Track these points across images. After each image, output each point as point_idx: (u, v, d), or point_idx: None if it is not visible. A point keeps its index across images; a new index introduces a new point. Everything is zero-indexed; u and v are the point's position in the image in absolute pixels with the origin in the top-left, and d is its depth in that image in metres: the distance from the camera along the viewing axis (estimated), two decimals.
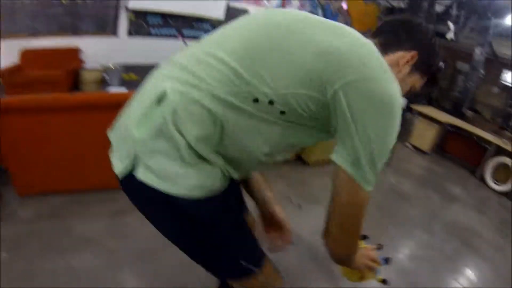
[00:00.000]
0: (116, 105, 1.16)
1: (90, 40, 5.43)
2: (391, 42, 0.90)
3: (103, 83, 4.73)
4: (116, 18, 5.57)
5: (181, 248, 0.96)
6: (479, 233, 3.44)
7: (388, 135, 0.76)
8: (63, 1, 4.97)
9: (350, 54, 0.73)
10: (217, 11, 6.44)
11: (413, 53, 0.89)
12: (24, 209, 2.20)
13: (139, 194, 0.86)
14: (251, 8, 7.05)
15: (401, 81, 0.85)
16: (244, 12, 6.93)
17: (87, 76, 4.95)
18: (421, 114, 5.53)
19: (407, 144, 5.67)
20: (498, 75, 8.02)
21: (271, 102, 0.75)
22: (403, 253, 2.84)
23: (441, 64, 0.96)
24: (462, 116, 6.65)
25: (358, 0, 8.42)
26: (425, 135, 5.44)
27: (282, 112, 0.76)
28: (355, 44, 0.76)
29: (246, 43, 0.78)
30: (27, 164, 2.29)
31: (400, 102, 0.75)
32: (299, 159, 4.00)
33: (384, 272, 1.25)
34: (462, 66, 8.29)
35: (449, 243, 3.13)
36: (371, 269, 1.16)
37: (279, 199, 2.76)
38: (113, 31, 5.62)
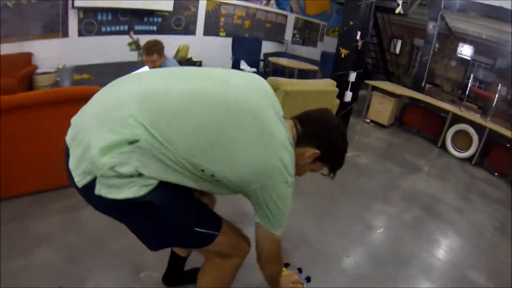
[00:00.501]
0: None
1: (41, 43, 5.16)
2: (305, 138, 1.18)
3: (56, 85, 4.50)
4: (65, 18, 5.30)
5: (134, 229, 1.12)
6: (440, 199, 3.29)
7: (285, 205, 1.16)
8: (9, 4, 4.69)
9: (272, 168, 1.04)
10: (166, 4, 6.20)
11: (317, 152, 1.18)
12: (6, 209, 2.16)
13: (100, 202, 0.97)
14: None
15: (303, 166, 1.24)
16: (194, 2, 6.68)
17: (41, 80, 4.67)
18: (377, 89, 5.36)
19: (366, 119, 5.52)
20: (455, 49, 8.10)
21: (212, 176, 1.02)
22: (359, 225, 2.61)
23: (340, 161, 1.26)
24: (421, 90, 6.63)
25: None
26: (383, 109, 5.29)
27: (217, 181, 1.05)
28: (276, 159, 1.04)
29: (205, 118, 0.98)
30: (11, 165, 2.23)
31: (292, 187, 1.14)
32: None
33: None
34: (419, 42, 8.35)
35: (409, 212, 2.93)
36: None
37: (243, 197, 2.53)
38: (64, 32, 5.35)
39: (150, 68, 3.01)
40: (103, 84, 1.12)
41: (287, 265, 1.94)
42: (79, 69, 4.65)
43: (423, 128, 5.29)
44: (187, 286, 1.75)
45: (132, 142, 0.89)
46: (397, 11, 5.59)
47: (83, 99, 1.12)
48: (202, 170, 0.98)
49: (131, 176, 0.91)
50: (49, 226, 2.09)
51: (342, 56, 4.33)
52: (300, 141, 1.16)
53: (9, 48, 4.82)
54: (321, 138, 1.17)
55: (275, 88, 3.52)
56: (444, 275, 2.24)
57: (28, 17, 4.89)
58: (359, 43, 4.26)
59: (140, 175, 0.92)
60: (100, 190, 0.92)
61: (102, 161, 0.88)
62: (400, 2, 5.51)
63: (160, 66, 2.99)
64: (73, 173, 0.96)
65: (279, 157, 1.04)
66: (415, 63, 8.63)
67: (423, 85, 7.04)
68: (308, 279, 1.85)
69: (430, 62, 7.23)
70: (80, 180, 0.94)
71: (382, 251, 2.37)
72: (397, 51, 9.16)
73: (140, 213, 1.00)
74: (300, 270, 1.89)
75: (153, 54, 2.90)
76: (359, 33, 4.21)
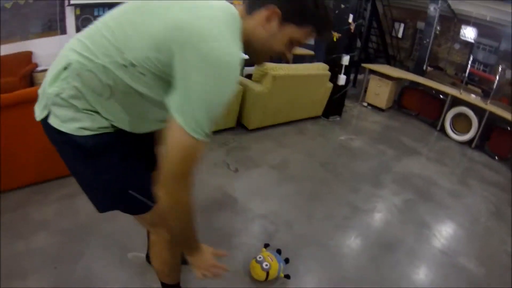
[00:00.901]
0: None
1: (40, 42, 5.30)
2: (253, 3, 0.93)
3: None
4: (62, 15, 5.42)
5: (80, 181, 1.12)
6: (436, 183, 3.18)
7: (216, 93, 0.81)
8: (6, 5, 4.82)
9: (194, 25, 0.80)
10: None
11: (271, 8, 0.89)
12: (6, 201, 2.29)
13: (51, 134, 1.01)
14: None
15: (272, 37, 0.94)
16: None
17: (41, 78, 4.66)
18: (374, 72, 5.21)
19: (364, 103, 5.38)
20: (458, 32, 7.87)
21: (132, 65, 0.88)
22: (347, 209, 2.53)
23: (325, 10, 0.94)
24: (423, 74, 6.45)
25: None
26: (380, 92, 5.14)
27: (142, 74, 0.89)
28: (202, 17, 0.83)
29: (119, 19, 0.94)
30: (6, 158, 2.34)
31: (235, 66, 0.81)
32: (240, 126, 3.68)
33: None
34: (422, 25, 8.12)
35: (401, 195, 2.84)
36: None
37: (216, 165, 2.69)
38: (62, 30, 5.47)
39: None
40: None
41: (266, 245, 1.95)
42: None
43: (422, 111, 5.13)
44: None
45: (66, 67, 0.94)
46: None
47: None
48: (125, 66, 0.89)
49: (77, 109, 0.96)
50: (47, 213, 2.19)
51: (335, 39, 4.19)
52: (250, 7, 0.94)
53: (9, 48, 4.99)
54: None
55: (263, 74, 3.41)
56: (432, 260, 2.15)
57: (26, 17, 5.04)
58: (352, 26, 4.12)
59: (85, 111, 0.96)
60: (50, 119, 0.98)
61: (49, 91, 0.96)
62: None
63: None
64: (36, 113, 1.03)
65: (210, 17, 0.84)
66: (418, 47, 8.42)
67: (424, 68, 6.86)
68: (286, 261, 1.85)
69: (433, 45, 7.04)
70: (39, 115, 1.01)
71: (368, 235, 2.29)
72: (399, 34, 8.96)
73: (79, 157, 1.03)
74: (279, 252, 1.89)
75: None
76: (351, 16, 4.07)
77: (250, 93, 3.42)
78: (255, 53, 1.00)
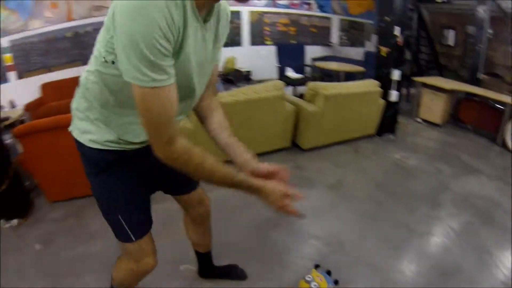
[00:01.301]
0: None
1: None
2: None
3: None
4: None
5: (93, 191, 1.25)
6: (498, 204, 3.04)
7: (133, 34, 0.75)
8: (68, 35, 5.55)
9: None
10: None
11: None
12: (53, 211, 2.74)
13: (76, 145, 1.17)
14: (242, 9, 7.01)
15: None
16: (236, 14, 6.90)
17: None
18: (426, 86, 5.10)
19: (417, 119, 5.27)
20: (511, 32, 7.42)
21: (104, 59, 0.93)
22: (402, 231, 2.54)
23: None
24: (477, 82, 6.17)
25: None
26: (434, 106, 5.02)
27: (113, 62, 0.90)
28: None
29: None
30: (50, 176, 2.77)
31: (155, 12, 0.75)
32: (294, 146, 3.81)
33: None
34: (471, 29, 7.75)
35: (460, 217, 2.78)
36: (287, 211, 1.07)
37: None
38: None
39: None
40: None
41: (317, 266, 2.03)
42: None
43: (480, 125, 4.91)
44: (221, 280, 1.97)
45: (79, 85, 1.12)
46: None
47: None
48: (105, 61, 0.93)
49: (91, 121, 1.09)
50: (104, 223, 2.33)
51: (383, 54, 4.19)
52: None
53: (71, 73, 5.57)
54: None
55: (315, 94, 3.54)
56: None
57: (87, 45, 5.71)
58: (399, 39, 4.09)
59: (97, 121, 1.08)
60: (74, 131, 1.16)
61: (72, 106, 1.16)
62: None
63: None
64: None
65: None
66: (470, 53, 8.06)
67: (479, 76, 6.56)
68: (336, 282, 1.92)
69: (487, 50, 6.72)
70: (70, 129, 1.18)
71: (424, 260, 2.28)
72: (451, 42, 8.62)
73: (86, 169, 1.20)
74: (329, 273, 1.97)
75: None
76: (397, 28, 4.03)
77: (303, 113, 3.55)
78: None
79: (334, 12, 8.03)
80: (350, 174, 3.38)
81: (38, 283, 2.01)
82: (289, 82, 5.53)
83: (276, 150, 3.64)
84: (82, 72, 1.11)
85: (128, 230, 1.22)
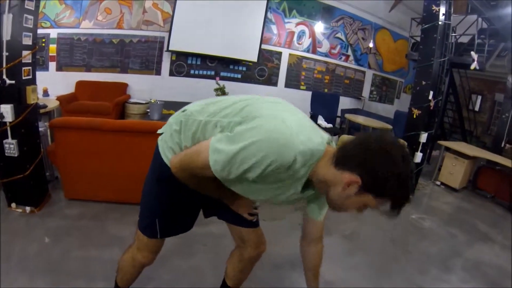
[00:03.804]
0: (151, 132, 2.05)
1: (136, 77, 6.20)
2: (343, 161, 1.00)
3: (145, 115, 5.38)
4: (160, 58, 6.33)
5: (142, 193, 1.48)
6: (509, 274, 3.19)
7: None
8: (114, 41, 5.95)
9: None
10: (251, 54, 6.83)
11: (355, 178, 0.97)
12: (69, 208, 2.74)
13: (156, 149, 1.38)
14: (283, 50, 7.40)
15: (347, 199, 1.04)
16: (276, 54, 7.31)
17: (132, 109, 5.64)
18: (449, 150, 5.33)
19: (437, 182, 5.45)
20: None
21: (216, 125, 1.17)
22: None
23: (406, 190, 0.98)
24: (500, 151, 6.31)
25: (387, 38, 8.57)
26: (455, 171, 5.20)
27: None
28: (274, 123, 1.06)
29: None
30: (75, 173, 2.86)
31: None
32: None
33: None
34: (500, 97, 7.88)
35: (470, 283, 2.94)
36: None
37: (294, 228, 2.87)
38: (157, 70, 6.36)
39: None
40: None
41: None
42: (167, 105, 5.31)
43: (499, 194, 5.05)
44: None
45: (184, 110, 1.32)
46: (472, 67, 5.56)
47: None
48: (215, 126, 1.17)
49: (173, 141, 1.29)
50: (122, 231, 2.54)
51: (414, 116, 4.42)
52: (338, 161, 1.02)
53: (109, 77, 5.90)
54: (358, 161, 0.97)
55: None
56: None
57: (128, 54, 6.04)
58: (431, 103, 4.33)
59: (177, 144, 1.29)
60: (160, 140, 1.39)
61: (170, 120, 1.37)
62: (476, 57, 5.48)
63: None
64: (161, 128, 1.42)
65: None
66: (496, 121, 8.21)
67: (502, 145, 6.70)
68: None
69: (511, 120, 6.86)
70: (160, 130, 1.41)
71: None
72: (476, 107, 8.75)
73: (152, 175, 1.42)
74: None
75: None
76: (431, 93, 4.29)
77: None
78: (328, 198, 1.11)
79: (369, 67, 8.37)
80: (367, 227, 3.56)
81: (38, 277, 2.00)
82: None
83: None
84: (190, 105, 1.34)
85: (158, 229, 1.45)
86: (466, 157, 5.09)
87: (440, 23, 4.26)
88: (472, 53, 5.54)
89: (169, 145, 1.31)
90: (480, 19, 6.32)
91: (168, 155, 1.30)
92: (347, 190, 1.00)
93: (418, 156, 4.46)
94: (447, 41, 4.41)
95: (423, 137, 4.39)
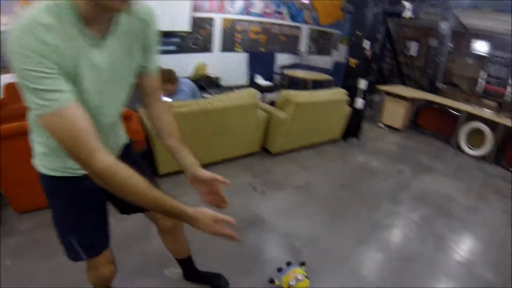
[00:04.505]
0: None
1: None
2: None
3: None
4: None
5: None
6: (453, 198, 3.34)
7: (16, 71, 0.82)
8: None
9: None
10: (183, 24, 6.55)
11: None
12: (21, 223, 2.52)
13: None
14: (215, 16, 7.10)
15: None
16: (209, 21, 6.98)
17: None
18: (389, 94, 5.46)
19: (379, 124, 5.60)
20: (469, 46, 8.01)
21: None
22: (367, 225, 2.74)
23: None
24: (436, 91, 6.61)
25: None
26: (395, 113, 5.37)
27: None
28: None
29: None
30: (18, 184, 2.55)
31: (17, 45, 0.78)
32: (264, 150, 3.96)
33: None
34: (433, 42, 8.28)
35: (418, 211, 3.03)
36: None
37: (244, 188, 2.87)
38: None
39: (164, 94, 3.26)
40: None
41: (289, 263, 2.10)
42: None
43: (438, 130, 5.30)
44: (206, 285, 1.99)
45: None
46: (404, 15, 5.63)
47: None
48: None
49: (43, 150, 1.13)
50: None
51: (352, 66, 4.46)
52: None
53: None
54: None
55: (287, 101, 3.70)
56: (450, 271, 2.32)
57: None
58: (368, 53, 4.37)
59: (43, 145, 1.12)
60: (33, 159, 1.21)
61: (30, 137, 1.19)
62: (408, 6, 5.55)
63: (174, 91, 3.26)
64: None
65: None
66: (430, 64, 8.58)
67: (438, 86, 7.02)
68: (302, 264, 2.14)
69: (447, 62, 7.19)
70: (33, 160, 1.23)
71: (389, 249, 2.50)
72: (413, 53, 9.08)
73: (47, 198, 1.22)
74: (303, 264, 2.14)
75: (165, 83, 3.17)
76: (367, 42, 4.33)
77: (274, 119, 3.71)
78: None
79: (305, 22, 8.31)
80: (317, 176, 3.56)
81: None
82: (258, 89, 5.65)
83: (247, 155, 3.78)
84: None
85: (79, 249, 1.24)
86: (405, 99, 5.26)
87: None
88: (404, 2, 5.61)
89: (40, 157, 1.16)
90: None
91: (41, 164, 1.16)
92: None
93: (360, 102, 4.51)
94: None
95: (363, 84, 4.43)
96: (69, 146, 0.87)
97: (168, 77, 3.22)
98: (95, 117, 0.97)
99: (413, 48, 9.18)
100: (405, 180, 3.66)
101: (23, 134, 2.32)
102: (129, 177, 0.90)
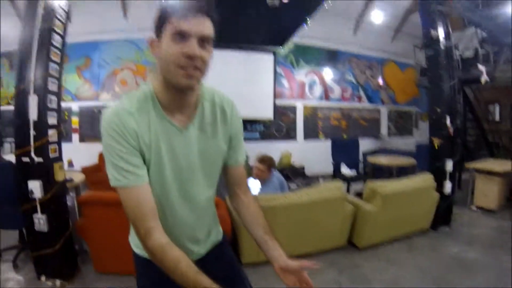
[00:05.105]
0: None
1: None
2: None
3: None
4: None
5: None
6: None
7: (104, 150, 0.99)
8: None
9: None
10: (267, 112, 6.69)
11: (149, 39, 1.02)
12: (99, 282, 2.69)
13: None
14: (297, 103, 7.39)
15: (162, 60, 0.98)
16: (291, 108, 7.28)
17: None
18: (478, 171, 5.06)
19: (472, 207, 5.13)
20: None
21: None
22: None
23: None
24: None
25: (395, 69, 8.61)
26: (488, 191, 4.93)
27: None
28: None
29: None
30: (104, 247, 2.81)
31: (106, 125, 0.98)
32: (350, 244, 3.87)
33: None
34: None
35: None
36: None
37: (329, 284, 2.65)
38: None
39: (254, 175, 3.49)
40: None
41: None
42: None
43: None
44: None
45: None
46: (482, 80, 5.36)
47: None
48: None
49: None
50: None
51: (436, 147, 4.30)
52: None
53: None
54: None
55: (374, 193, 3.65)
56: None
57: None
58: (450, 129, 4.22)
59: None
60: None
61: None
62: (483, 69, 5.30)
63: (266, 179, 3.45)
64: None
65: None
66: None
67: None
68: None
69: None
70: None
71: None
72: (496, 117, 8.44)
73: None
74: None
75: (264, 164, 3.34)
76: (448, 118, 4.19)
77: (361, 212, 3.65)
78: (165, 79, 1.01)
79: (382, 102, 8.32)
80: (407, 271, 3.35)
81: None
82: (344, 179, 5.58)
83: (332, 249, 3.70)
84: None
85: None
86: (497, 175, 4.84)
87: (441, 47, 4.24)
88: (479, 65, 5.42)
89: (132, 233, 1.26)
90: (479, 30, 6.29)
91: (131, 238, 1.28)
92: (155, 53, 1.00)
93: (447, 186, 4.27)
94: (452, 62, 4.35)
95: (449, 165, 4.22)
96: (132, 220, 1.01)
97: (269, 164, 3.41)
98: (175, 199, 1.11)
99: (496, 111, 8.55)
100: (508, 271, 3.30)
101: (118, 204, 2.62)
102: (179, 260, 0.96)
